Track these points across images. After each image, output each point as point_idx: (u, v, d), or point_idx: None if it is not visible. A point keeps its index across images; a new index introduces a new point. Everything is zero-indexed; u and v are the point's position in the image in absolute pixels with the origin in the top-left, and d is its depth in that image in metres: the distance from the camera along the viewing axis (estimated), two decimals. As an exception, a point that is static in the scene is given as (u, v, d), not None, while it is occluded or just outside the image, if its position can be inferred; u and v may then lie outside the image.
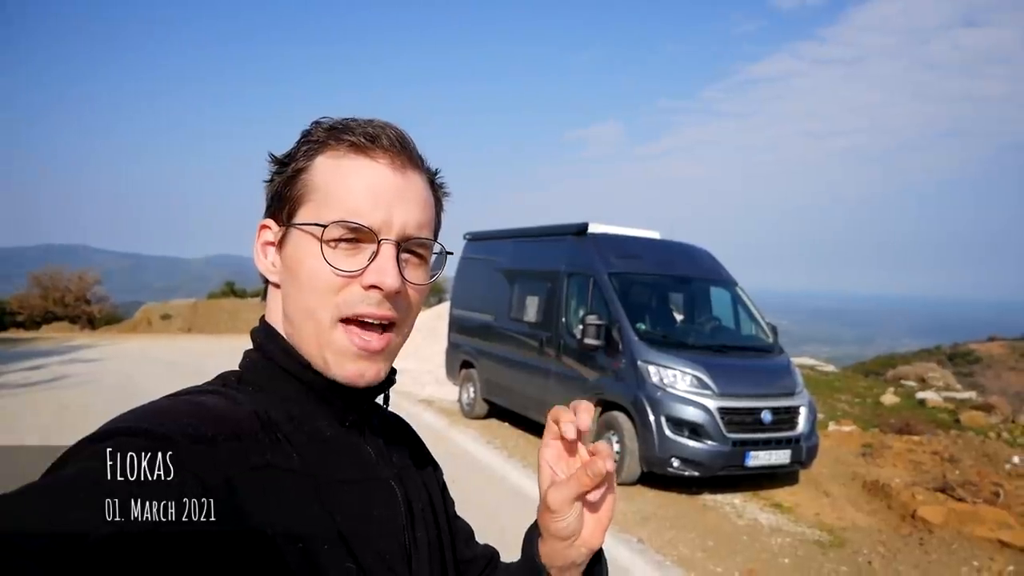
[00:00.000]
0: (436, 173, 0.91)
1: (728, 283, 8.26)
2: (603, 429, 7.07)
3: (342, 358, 0.80)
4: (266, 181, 0.88)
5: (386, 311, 0.81)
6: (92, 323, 30.23)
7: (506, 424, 9.35)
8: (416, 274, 0.85)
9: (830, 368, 15.82)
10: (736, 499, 6.75)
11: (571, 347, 7.62)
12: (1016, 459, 8.01)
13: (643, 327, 7.17)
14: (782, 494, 7.00)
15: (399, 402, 10.43)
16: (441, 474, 1.07)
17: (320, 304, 0.80)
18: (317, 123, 0.86)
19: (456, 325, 10.35)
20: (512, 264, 9.07)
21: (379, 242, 0.80)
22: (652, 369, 6.71)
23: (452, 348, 10.41)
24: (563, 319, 7.84)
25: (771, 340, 7.74)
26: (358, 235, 0.80)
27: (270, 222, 0.86)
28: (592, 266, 7.63)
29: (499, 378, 9.10)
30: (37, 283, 31.26)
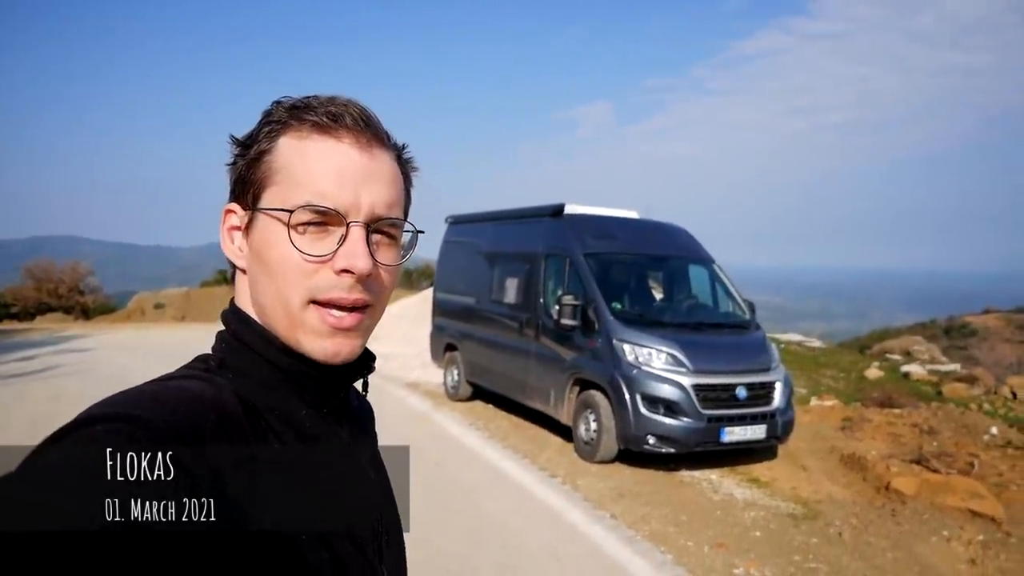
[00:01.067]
0: (403, 148, 0.90)
1: (705, 261, 8.28)
2: (581, 408, 7.13)
3: (315, 337, 0.79)
4: (228, 164, 0.86)
5: (358, 295, 0.80)
6: (86, 313, 30.24)
7: (490, 406, 9.40)
8: (387, 255, 0.84)
9: (817, 343, 15.88)
10: (713, 475, 6.82)
11: (549, 327, 7.66)
12: (994, 430, 8.08)
13: (618, 306, 7.20)
14: (760, 469, 7.07)
15: (385, 386, 10.51)
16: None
17: (291, 290, 0.78)
18: (278, 103, 0.84)
19: (439, 308, 10.38)
20: (492, 246, 9.09)
21: (348, 225, 0.79)
22: (627, 348, 6.75)
23: (436, 331, 10.45)
24: (541, 300, 7.87)
25: (747, 317, 7.78)
26: (326, 218, 0.78)
27: (235, 206, 0.85)
28: (568, 247, 7.64)
29: (482, 360, 9.15)
30: (30, 275, 31.26)
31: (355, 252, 0.78)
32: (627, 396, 6.58)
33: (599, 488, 6.21)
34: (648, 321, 7.15)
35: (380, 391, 9.53)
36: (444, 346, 10.13)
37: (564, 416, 7.43)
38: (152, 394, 0.68)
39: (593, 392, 7.00)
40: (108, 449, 0.57)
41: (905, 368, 12.19)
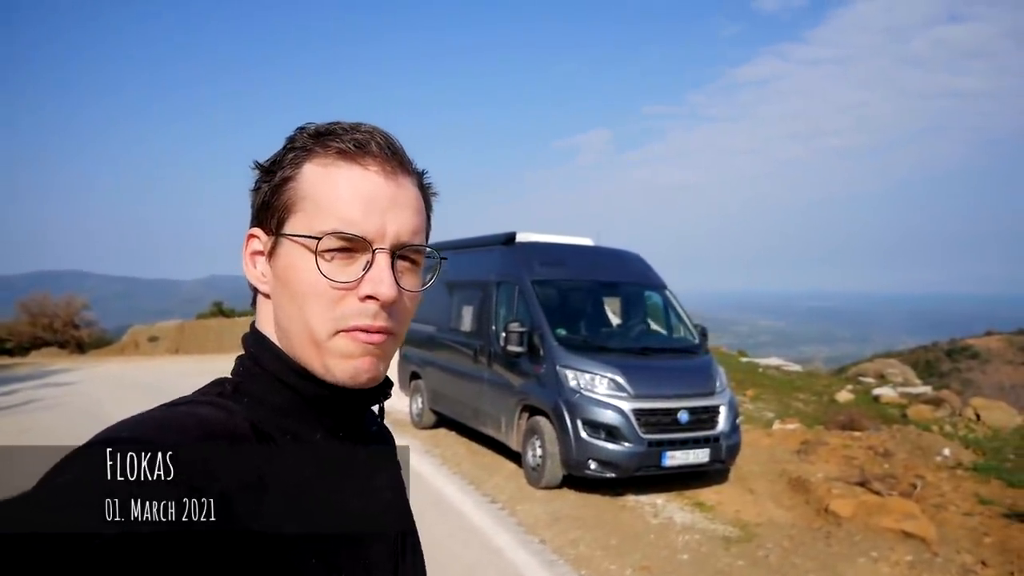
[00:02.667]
0: (424, 175, 0.90)
1: (656, 287, 8.38)
2: (529, 434, 7.18)
3: (344, 359, 0.79)
4: (252, 190, 0.86)
5: (382, 322, 0.80)
6: (81, 347, 30.36)
7: (453, 433, 9.45)
8: (411, 281, 0.85)
9: (795, 368, 15.90)
10: (659, 499, 6.84)
11: (500, 355, 7.74)
12: (947, 451, 8.10)
13: (564, 332, 7.28)
14: (707, 493, 7.09)
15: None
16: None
17: (318, 316, 0.79)
18: (302, 129, 0.85)
19: (406, 336, 10.46)
20: (450, 275, 9.21)
21: (374, 251, 0.79)
22: (570, 374, 6.82)
23: (402, 359, 10.53)
24: (493, 327, 7.96)
25: (696, 341, 7.85)
26: (352, 245, 0.79)
27: (258, 231, 0.85)
28: (517, 274, 7.75)
29: (442, 387, 9.23)
30: (25, 310, 31.41)
31: (381, 279, 0.78)
32: (569, 422, 6.64)
33: (537, 513, 6.25)
34: (593, 347, 7.22)
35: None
36: (409, 374, 10.21)
37: (514, 442, 7.49)
38: (160, 419, 0.69)
39: (539, 418, 7.06)
40: (117, 471, 0.60)
41: (876, 391, 12.20)
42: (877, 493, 6.58)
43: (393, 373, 11.23)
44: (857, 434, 9.12)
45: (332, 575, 0.75)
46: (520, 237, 8.23)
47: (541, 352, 7.11)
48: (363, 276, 0.79)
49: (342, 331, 0.79)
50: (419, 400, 9.87)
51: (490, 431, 8.01)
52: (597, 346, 7.28)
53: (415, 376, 10.01)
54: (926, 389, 12.29)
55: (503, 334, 7.43)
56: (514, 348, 7.24)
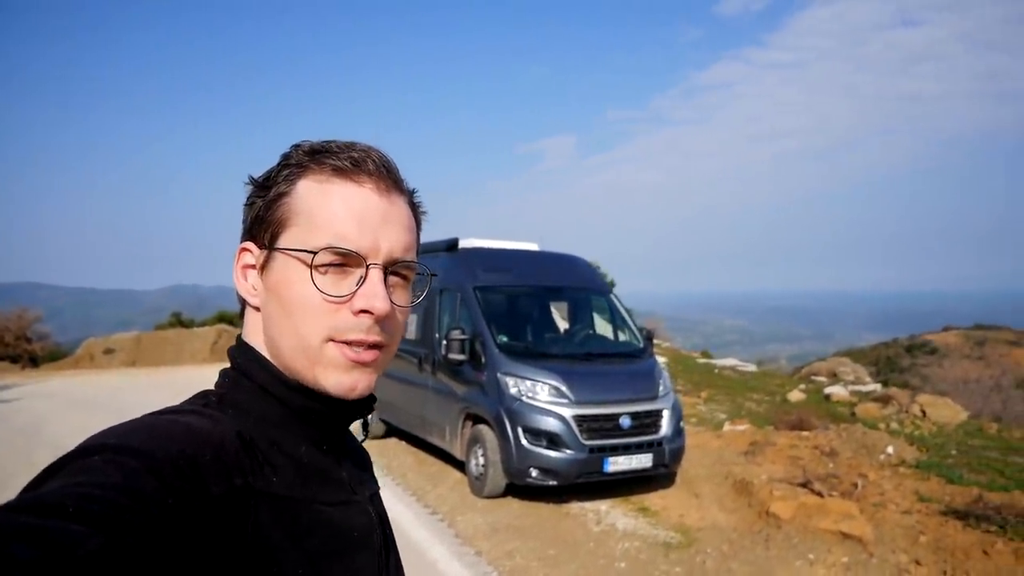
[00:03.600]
0: (414, 193, 0.92)
1: (600, 291, 8.35)
2: (472, 443, 7.09)
3: (335, 371, 0.81)
4: (245, 204, 0.87)
5: (376, 336, 0.81)
6: (34, 361, 29.58)
7: (403, 443, 9.32)
8: (402, 296, 0.86)
9: (751, 368, 16.02)
10: (603, 505, 6.79)
11: (444, 363, 7.63)
12: (890, 449, 8.16)
13: (505, 339, 7.20)
14: (652, 498, 7.05)
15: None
16: None
17: (310, 329, 0.80)
18: (297, 146, 0.86)
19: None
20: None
21: (367, 266, 0.81)
22: (511, 381, 6.74)
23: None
24: (436, 335, 7.86)
25: (640, 345, 7.82)
26: (346, 260, 0.80)
27: (251, 245, 0.86)
28: (460, 280, 7.66)
29: (389, 396, 9.08)
30: (-26, 324, 30.55)
31: (375, 293, 0.80)
32: (510, 429, 6.56)
33: (477, 523, 6.16)
34: (534, 353, 7.16)
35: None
36: (358, 384, 10.07)
37: (458, 451, 7.39)
38: (148, 426, 0.69)
39: (482, 427, 6.97)
40: (103, 478, 0.58)
41: (828, 390, 12.32)
42: (819, 494, 6.58)
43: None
44: (805, 434, 9.16)
45: None
46: (463, 243, 8.14)
47: (483, 359, 7.02)
48: (356, 291, 0.80)
49: (333, 340, 0.80)
50: (368, 410, 9.74)
51: (435, 440, 7.89)
52: (539, 352, 7.22)
53: (363, 385, 9.88)
54: (876, 387, 12.44)
55: (444, 342, 7.33)
56: (455, 356, 7.15)
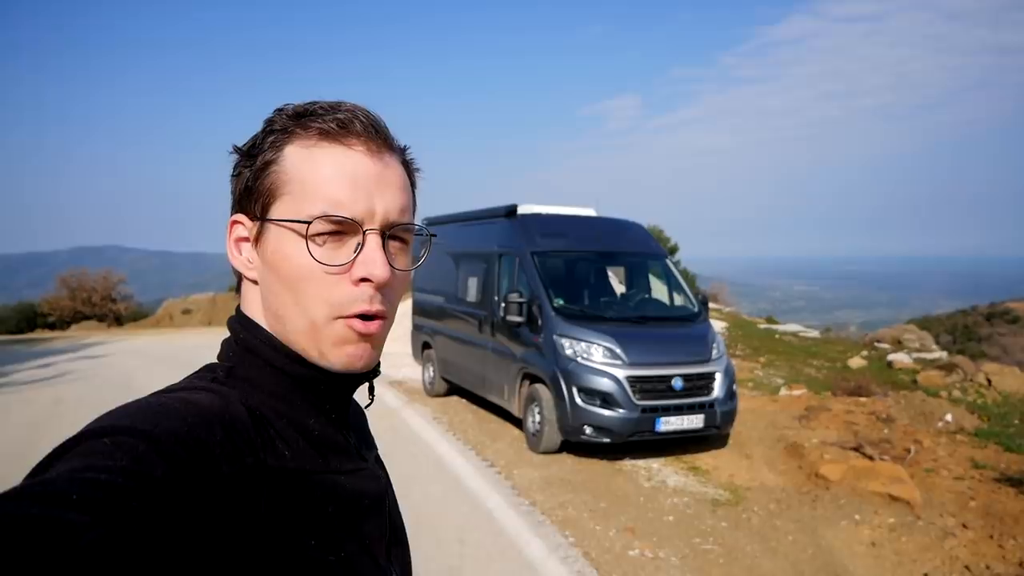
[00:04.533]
0: (406, 151, 0.89)
1: (656, 256, 8.47)
2: (528, 401, 7.39)
3: (341, 345, 0.79)
4: (232, 175, 0.84)
5: (379, 305, 0.80)
6: (119, 320, 31.25)
7: (463, 401, 9.70)
8: (402, 260, 0.84)
9: (813, 334, 15.85)
10: (655, 463, 7.02)
11: (503, 324, 7.93)
12: (949, 416, 8.12)
13: (562, 302, 7.42)
14: (704, 458, 7.24)
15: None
16: None
17: (314, 302, 0.78)
18: (280, 110, 0.83)
19: (417, 307, 10.73)
20: (457, 247, 9.39)
21: (364, 233, 0.79)
22: (566, 342, 6.98)
23: (415, 330, 10.79)
24: (496, 298, 8.14)
25: (695, 309, 7.94)
26: (342, 227, 0.78)
27: (242, 217, 0.83)
28: (518, 245, 7.90)
29: (451, 356, 9.46)
30: (65, 285, 32.31)
31: (374, 260, 0.78)
32: (565, 389, 6.82)
33: (532, 477, 6.47)
34: (590, 316, 7.37)
35: (361, 391, 9.87)
36: (421, 344, 10.47)
37: (516, 409, 7.71)
38: (156, 406, 0.67)
39: (538, 386, 7.24)
40: (111, 462, 0.57)
41: (891, 357, 12.17)
42: (869, 458, 6.67)
43: (407, 343, 11.57)
44: (863, 400, 9.16)
45: (332, 555, 0.76)
46: (522, 209, 8.36)
47: (540, 322, 7.28)
48: (355, 258, 0.78)
49: (341, 317, 0.78)
50: (431, 369, 10.13)
51: (494, 398, 8.23)
52: (594, 315, 7.42)
53: (427, 346, 10.26)
54: (941, 355, 12.22)
55: (503, 304, 7.61)
56: (513, 318, 7.43)
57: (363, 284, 0.78)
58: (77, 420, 0.72)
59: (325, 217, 0.77)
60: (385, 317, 0.81)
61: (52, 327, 29.36)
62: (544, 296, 7.34)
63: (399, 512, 0.96)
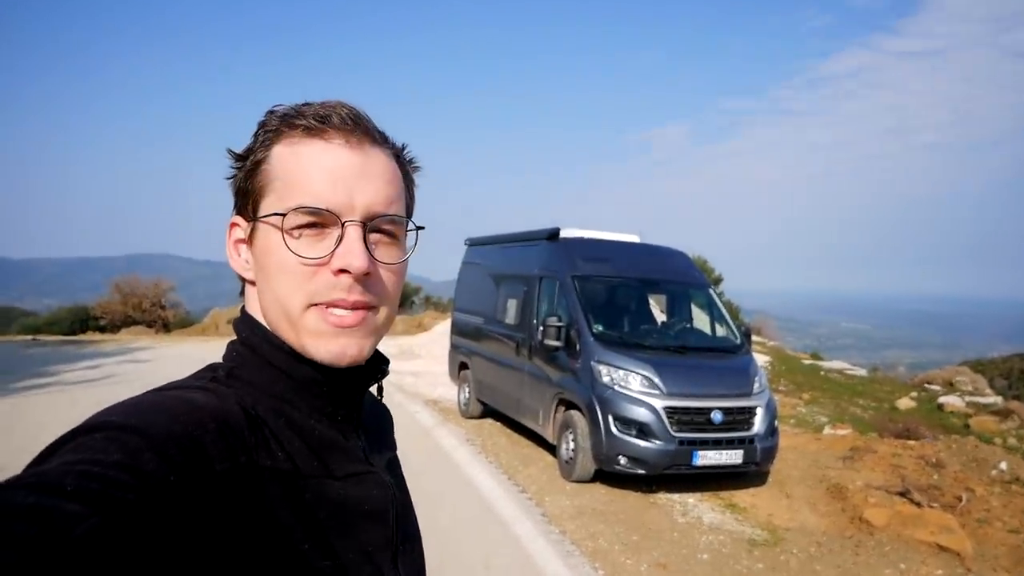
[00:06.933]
0: (403, 148, 0.89)
1: (700, 285, 8.31)
2: (563, 428, 7.27)
3: (319, 338, 0.79)
4: (228, 178, 0.86)
5: (358, 296, 0.79)
6: (167, 327, 31.97)
7: (498, 424, 9.61)
8: (388, 253, 0.83)
9: (860, 372, 15.40)
10: (691, 498, 6.83)
11: (540, 348, 7.85)
12: (1003, 465, 7.75)
13: (601, 328, 7.32)
14: (742, 495, 7.03)
15: (404, 402, 10.85)
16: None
17: (289, 293, 0.78)
18: (271, 112, 0.84)
19: (456, 327, 10.69)
20: (498, 268, 9.36)
21: (343, 224, 0.78)
22: (604, 369, 6.87)
23: (453, 349, 10.76)
24: (534, 321, 8.06)
25: (737, 341, 7.76)
26: (321, 220, 0.78)
27: (239, 219, 0.85)
28: (559, 269, 7.83)
29: (487, 378, 9.39)
30: (117, 290, 33.21)
31: (352, 251, 0.77)
32: (600, 417, 6.69)
33: (563, 505, 6.34)
34: (629, 343, 7.24)
35: (397, 407, 9.89)
36: (459, 364, 10.42)
37: (550, 435, 7.59)
38: (151, 403, 0.68)
39: (573, 412, 7.13)
40: (103, 456, 0.57)
41: (942, 400, 11.74)
42: (917, 504, 6.39)
43: (444, 363, 11.54)
44: (911, 443, 8.82)
45: (327, 560, 0.75)
46: (564, 233, 8.30)
47: (578, 347, 7.18)
48: (334, 251, 0.78)
49: (313, 305, 0.78)
50: (466, 390, 10.07)
51: (529, 423, 8.13)
52: (633, 343, 7.29)
53: (464, 366, 10.21)
54: (996, 399, 11.75)
55: (541, 328, 7.53)
56: (551, 342, 7.34)
57: (342, 275, 0.78)
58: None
59: (300, 208, 0.77)
60: (370, 307, 0.81)
61: (103, 330, 30.14)
62: (583, 321, 7.25)
63: (412, 518, 0.94)
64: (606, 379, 6.82)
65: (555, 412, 7.48)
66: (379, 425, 0.98)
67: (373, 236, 0.81)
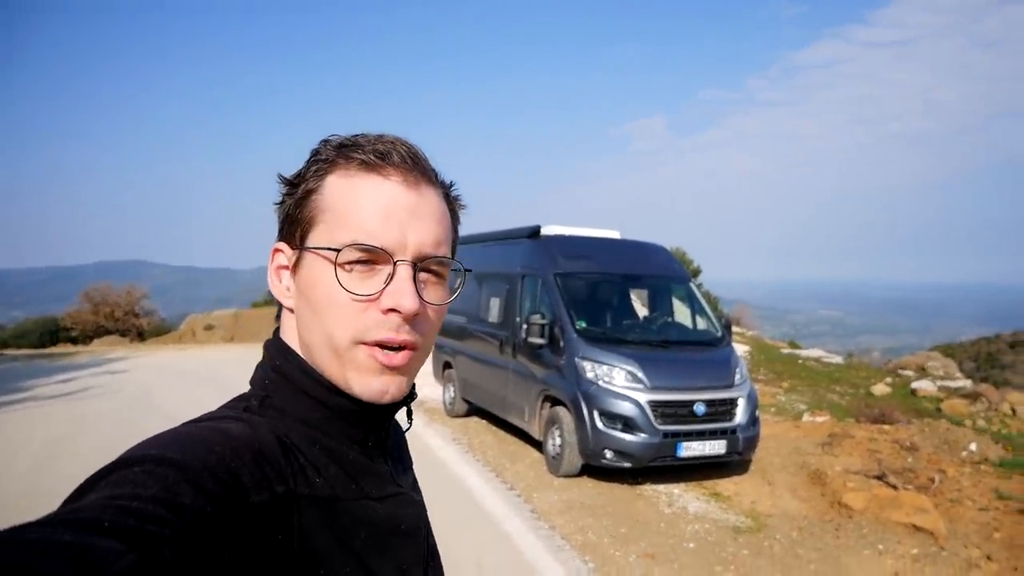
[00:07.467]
0: (451, 186, 0.90)
1: (680, 279, 8.48)
2: (549, 424, 7.39)
3: (365, 375, 0.79)
4: (276, 203, 0.86)
5: (405, 335, 0.79)
6: (141, 335, 31.56)
7: (483, 422, 9.70)
8: (435, 293, 0.84)
9: (836, 360, 15.71)
10: (676, 489, 6.98)
11: (524, 345, 7.95)
12: (973, 446, 8.02)
13: (584, 324, 7.44)
14: (725, 484, 7.20)
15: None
16: None
17: (338, 329, 0.78)
18: (325, 141, 0.85)
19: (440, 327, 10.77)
20: (480, 267, 9.45)
21: (395, 263, 0.79)
22: (588, 365, 7.00)
23: (437, 349, 10.81)
24: (518, 319, 8.17)
25: (719, 334, 7.93)
26: (373, 256, 0.78)
27: (283, 245, 0.85)
28: (541, 267, 7.95)
29: (472, 377, 9.49)
30: (88, 299, 32.66)
31: (402, 291, 0.78)
32: (586, 412, 6.82)
33: (551, 500, 6.46)
34: (612, 339, 7.38)
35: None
36: (443, 364, 10.50)
37: (536, 431, 7.71)
38: (188, 435, 0.68)
39: (559, 408, 7.25)
40: (141, 490, 0.58)
41: (915, 384, 12.04)
42: (893, 487, 6.60)
43: (428, 362, 11.58)
44: (886, 427, 9.07)
45: None
46: (545, 230, 8.41)
47: (562, 343, 7.30)
48: (384, 289, 0.78)
49: (363, 343, 0.79)
50: (451, 389, 10.16)
51: (515, 420, 8.24)
52: (616, 338, 7.43)
53: (447, 366, 10.30)
54: (965, 383, 12.08)
55: (525, 326, 7.64)
56: (535, 340, 7.46)
57: (391, 314, 0.78)
58: (99, 436, 0.75)
59: (355, 245, 0.78)
60: (415, 348, 0.81)
61: (74, 341, 29.67)
62: (566, 318, 7.37)
63: (433, 535, 0.97)
64: (590, 375, 6.95)
65: (541, 409, 7.60)
66: (399, 445, 0.99)
67: (421, 275, 0.82)
